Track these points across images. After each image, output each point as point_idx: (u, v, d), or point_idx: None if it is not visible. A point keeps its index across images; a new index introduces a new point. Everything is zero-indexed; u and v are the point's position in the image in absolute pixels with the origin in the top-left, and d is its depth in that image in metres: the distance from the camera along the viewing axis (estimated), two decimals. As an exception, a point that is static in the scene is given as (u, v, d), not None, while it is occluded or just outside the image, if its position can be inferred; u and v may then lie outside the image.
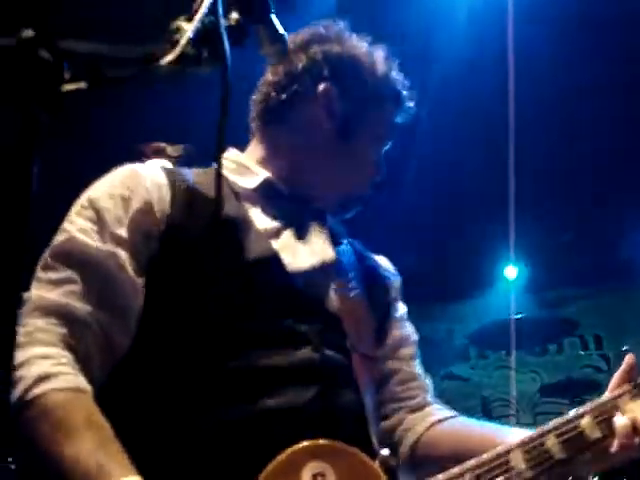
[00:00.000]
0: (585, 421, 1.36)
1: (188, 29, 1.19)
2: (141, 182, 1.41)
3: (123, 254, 1.31)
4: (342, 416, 1.34)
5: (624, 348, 4.33)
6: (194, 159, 1.72)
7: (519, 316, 4.94)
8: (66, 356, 1.22)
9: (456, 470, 1.31)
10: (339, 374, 1.40)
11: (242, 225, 1.43)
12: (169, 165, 1.62)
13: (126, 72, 1.03)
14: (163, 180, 1.43)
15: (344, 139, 1.61)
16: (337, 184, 1.64)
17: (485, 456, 1.32)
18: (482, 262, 6.17)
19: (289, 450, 1.17)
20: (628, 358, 1.45)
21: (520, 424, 6.08)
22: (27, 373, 1.16)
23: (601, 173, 5.32)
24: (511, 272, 6.43)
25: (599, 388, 4.40)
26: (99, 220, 1.34)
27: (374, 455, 1.29)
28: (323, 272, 1.50)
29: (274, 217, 1.53)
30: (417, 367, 1.68)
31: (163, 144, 1.93)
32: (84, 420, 1.13)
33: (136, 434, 1.19)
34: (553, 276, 6.13)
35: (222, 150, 1.11)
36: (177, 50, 1.09)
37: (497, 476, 1.29)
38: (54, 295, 1.26)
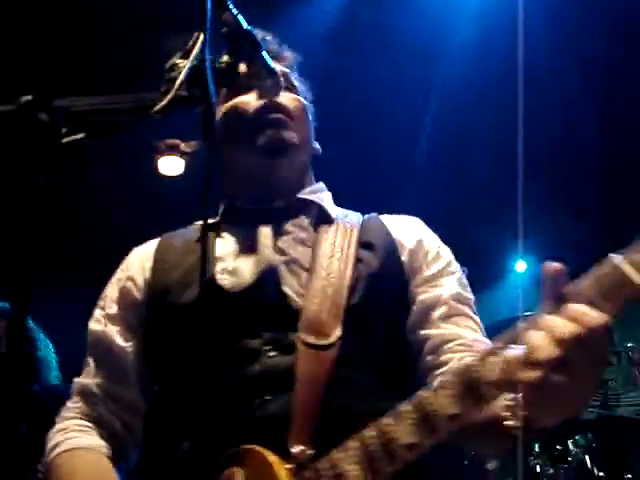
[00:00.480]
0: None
1: (183, 66, 1.26)
2: (130, 260, 1.71)
3: (114, 329, 1.61)
4: (263, 423, 1.37)
5: (629, 344, 4.38)
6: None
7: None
8: (78, 424, 1.58)
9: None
10: (274, 381, 1.41)
11: (198, 264, 1.55)
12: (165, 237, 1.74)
13: (122, 120, 1.11)
14: (150, 251, 1.68)
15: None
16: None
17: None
18: (491, 257, 6.22)
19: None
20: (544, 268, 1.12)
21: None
22: (48, 445, 1.56)
23: (610, 167, 5.35)
24: (521, 266, 6.49)
25: (606, 383, 4.45)
26: (103, 307, 1.66)
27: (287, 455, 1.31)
28: (272, 275, 1.53)
29: (232, 241, 1.64)
30: (452, 327, 1.49)
31: (177, 140, 1.97)
32: (63, 473, 1.51)
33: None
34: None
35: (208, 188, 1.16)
36: (170, 96, 1.16)
37: None
38: (79, 379, 1.64)
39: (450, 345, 1.48)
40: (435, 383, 1.22)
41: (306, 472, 1.27)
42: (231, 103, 1.70)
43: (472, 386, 1.14)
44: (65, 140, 0.99)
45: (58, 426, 1.59)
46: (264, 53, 1.39)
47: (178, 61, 1.29)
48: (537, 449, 4.29)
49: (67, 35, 4.25)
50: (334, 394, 1.39)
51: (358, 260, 1.55)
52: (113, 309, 1.64)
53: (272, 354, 1.44)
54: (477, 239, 5.97)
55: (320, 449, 1.28)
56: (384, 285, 1.55)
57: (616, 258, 1.04)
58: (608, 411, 4.53)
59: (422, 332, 1.52)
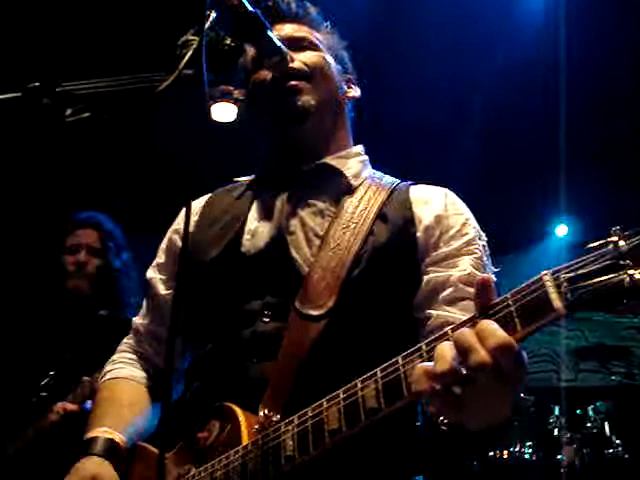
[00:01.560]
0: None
1: (194, 44, 1.33)
2: (182, 213, 1.82)
3: (158, 277, 1.79)
4: (245, 385, 1.44)
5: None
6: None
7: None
8: (124, 356, 1.80)
9: None
10: (262, 347, 1.47)
11: (233, 224, 1.67)
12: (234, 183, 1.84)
13: (126, 102, 1.20)
14: (199, 206, 1.79)
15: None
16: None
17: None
18: (532, 218, 6.17)
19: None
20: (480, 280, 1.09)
21: (562, 380, 6.19)
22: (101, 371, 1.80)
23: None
24: (562, 230, 6.43)
25: (630, 352, 4.46)
26: (157, 255, 1.83)
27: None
28: (282, 241, 1.57)
29: (261, 203, 1.70)
30: (456, 311, 1.45)
31: (230, 87, 2.02)
32: (103, 398, 1.71)
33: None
34: (604, 234, 6.07)
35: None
36: (172, 76, 1.23)
37: None
38: (135, 318, 1.84)
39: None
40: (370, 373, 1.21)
41: (265, 434, 1.33)
42: (253, 77, 1.74)
43: (395, 382, 1.15)
44: (69, 119, 1.09)
45: (112, 357, 1.81)
46: (269, 33, 1.45)
47: (190, 37, 1.37)
48: (557, 412, 4.35)
49: (70, 20, 4.35)
50: (312, 365, 1.40)
51: (370, 233, 1.54)
52: (162, 258, 1.81)
53: (266, 320, 1.50)
54: (520, 202, 5.92)
55: (289, 415, 1.31)
56: (390, 260, 1.52)
57: (546, 275, 1.00)
58: (630, 380, 4.54)
59: (427, 311, 1.49)
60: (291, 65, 1.64)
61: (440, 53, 4.62)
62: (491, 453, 4.24)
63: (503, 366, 0.98)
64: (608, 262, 0.96)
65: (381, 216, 1.58)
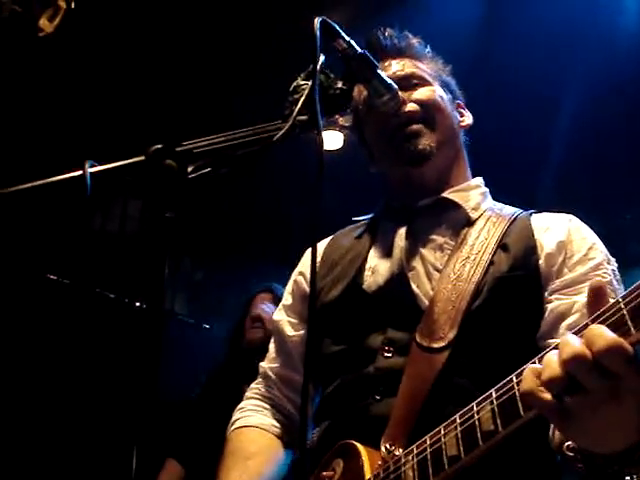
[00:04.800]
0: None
1: (305, 88, 1.34)
2: (305, 255, 1.87)
3: (286, 319, 1.80)
4: (368, 422, 1.43)
5: None
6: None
7: None
8: (252, 403, 1.80)
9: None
10: (385, 383, 1.46)
11: (354, 263, 1.68)
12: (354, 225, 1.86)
13: (243, 153, 1.21)
14: (321, 248, 1.82)
15: None
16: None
17: None
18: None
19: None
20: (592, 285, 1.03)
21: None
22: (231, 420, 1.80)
23: None
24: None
25: None
26: (283, 298, 1.87)
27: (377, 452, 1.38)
28: (402, 276, 1.57)
29: (381, 240, 1.71)
30: None
31: (336, 115, 2.07)
32: (231, 449, 1.72)
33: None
34: None
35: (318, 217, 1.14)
36: (289, 124, 1.24)
37: None
38: (262, 363, 1.85)
39: None
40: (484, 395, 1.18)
41: (386, 467, 1.33)
42: (366, 119, 1.75)
43: (510, 402, 1.10)
44: (191, 176, 1.11)
45: (240, 405, 1.82)
46: (379, 72, 1.45)
47: (301, 82, 1.39)
48: None
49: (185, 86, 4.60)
50: (434, 398, 1.39)
51: (490, 263, 1.51)
52: (288, 300, 1.83)
53: (388, 355, 1.49)
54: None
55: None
56: (512, 289, 1.48)
57: None
58: None
59: (549, 341, 1.42)
60: (405, 109, 1.64)
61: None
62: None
63: (615, 370, 0.91)
64: None
65: (502, 246, 1.54)
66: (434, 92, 1.73)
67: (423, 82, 1.74)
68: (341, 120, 1.87)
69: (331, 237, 1.85)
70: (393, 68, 1.73)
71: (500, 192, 1.80)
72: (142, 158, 1.05)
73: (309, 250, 1.71)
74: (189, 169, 1.10)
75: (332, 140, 5.00)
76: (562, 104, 4.78)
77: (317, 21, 1.29)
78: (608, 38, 4.26)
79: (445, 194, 1.69)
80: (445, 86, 1.79)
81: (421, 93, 1.71)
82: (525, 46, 4.30)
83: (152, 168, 1.05)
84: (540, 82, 4.57)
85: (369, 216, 1.81)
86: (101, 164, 1.07)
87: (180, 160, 1.08)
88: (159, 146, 1.06)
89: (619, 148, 4.99)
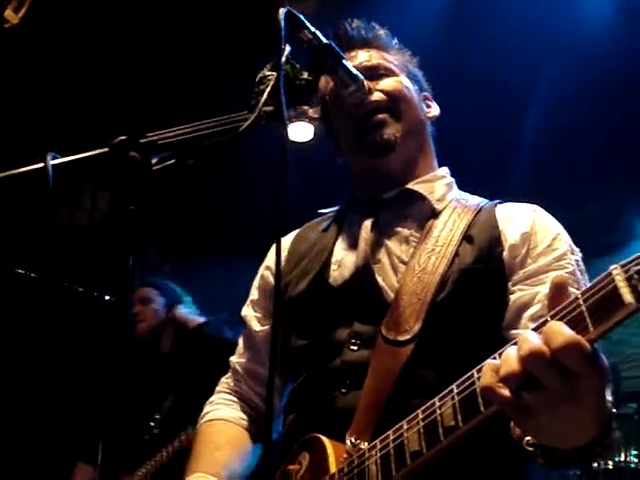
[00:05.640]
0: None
1: (271, 79, 1.33)
2: (271, 249, 1.82)
3: (253, 314, 1.81)
4: (333, 415, 1.44)
5: None
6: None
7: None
8: (222, 397, 1.81)
9: None
10: (350, 376, 1.46)
11: (320, 257, 1.67)
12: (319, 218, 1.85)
13: (209, 144, 1.21)
14: (288, 242, 1.80)
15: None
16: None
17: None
18: (618, 222, 5.92)
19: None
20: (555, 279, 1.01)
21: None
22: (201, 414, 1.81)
23: None
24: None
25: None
26: (251, 293, 1.85)
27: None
28: (368, 269, 1.57)
29: (347, 232, 1.71)
30: None
31: (305, 106, 2.06)
32: (200, 441, 1.72)
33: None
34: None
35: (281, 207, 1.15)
36: (254, 115, 1.24)
37: None
38: (232, 357, 1.86)
39: None
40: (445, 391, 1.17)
41: (350, 461, 1.33)
42: (332, 109, 1.74)
43: (471, 397, 1.09)
44: (156, 168, 1.11)
45: (210, 398, 1.83)
46: (345, 62, 1.45)
47: (267, 73, 1.38)
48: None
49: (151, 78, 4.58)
50: (400, 392, 1.39)
51: (455, 255, 1.51)
52: (255, 295, 1.83)
53: (354, 348, 1.49)
54: (605, 206, 5.72)
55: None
56: (476, 281, 1.48)
57: (615, 269, 0.90)
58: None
59: (511, 332, 1.43)
60: (370, 99, 1.63)
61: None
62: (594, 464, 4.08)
63: (572, 367, 0.90)
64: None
65: (466, 237, 1.54)
66: (400, 82, 1.72)
67: (390, 73, 1.73)
68: (311, 112, 1.86)
69: (298, 230, 1.85)
70: (360, 58, 1.72)
71: (471, 183, 1.79)
72: (106, 150, 1.04)
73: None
74: (153, 161, 1.10)
75: (302, 132, 4.97)
76: (530, 96, 4.83)
77: (282, 12, 1.28)
78: (577, 30, 4.31)
79: (410, 185, 1.68)
80: (412, 77, 1.79)
81: (387, 83, 1.70)
82: (493, 39, 4.32)
83: (116, 160, 1.04)
84: (509, 75, 4.60)
85: (335, 208, 1.81)
86: (64, 156, 1.06)
87: (144, 152, 1.07)
88: (123, 138, 1.05)
89: (588, 138, 5.05)
